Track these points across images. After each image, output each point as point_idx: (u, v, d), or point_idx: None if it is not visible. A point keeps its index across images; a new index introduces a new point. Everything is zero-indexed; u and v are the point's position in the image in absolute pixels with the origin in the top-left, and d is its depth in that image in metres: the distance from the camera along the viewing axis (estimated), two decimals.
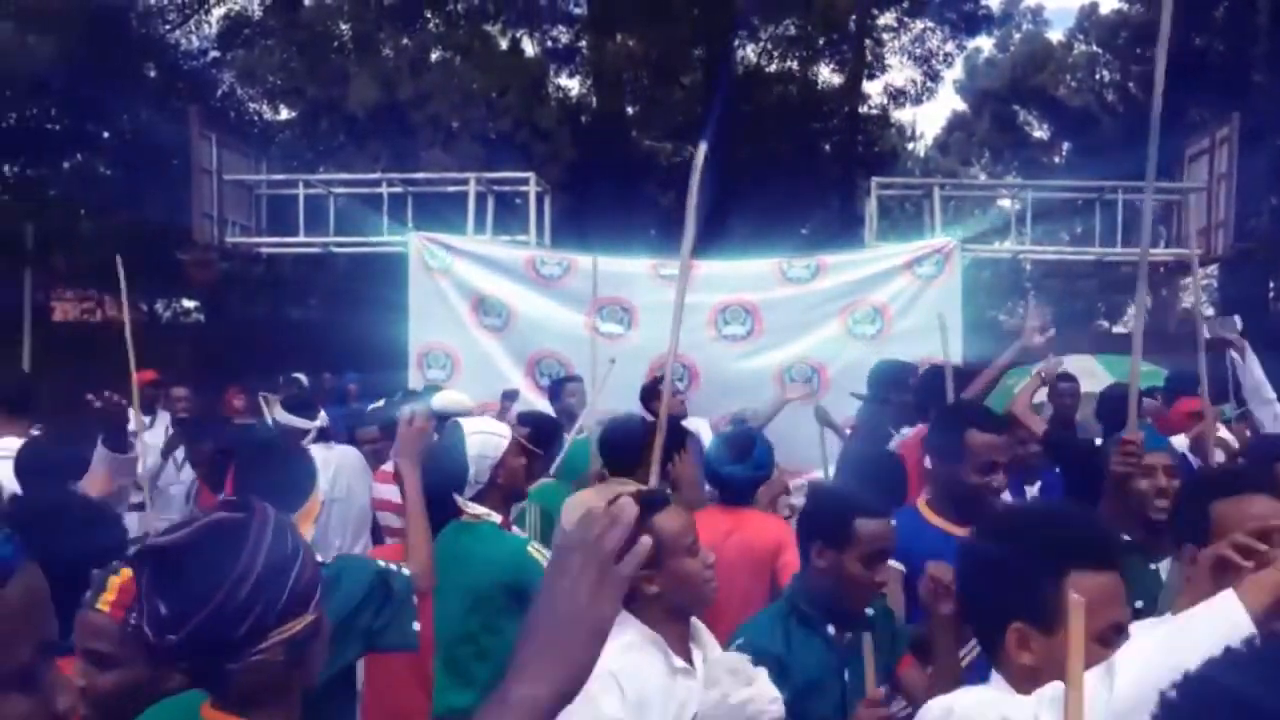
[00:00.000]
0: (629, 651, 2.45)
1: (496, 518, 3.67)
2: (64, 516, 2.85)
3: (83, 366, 15.09)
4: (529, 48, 19.97)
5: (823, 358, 8.84)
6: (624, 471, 4.75)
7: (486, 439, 3.71)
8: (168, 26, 19.08)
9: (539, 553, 3.53)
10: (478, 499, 3.65)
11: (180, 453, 7.72)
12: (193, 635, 1.68)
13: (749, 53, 22.25)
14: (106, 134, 17.65)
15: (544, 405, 8.58)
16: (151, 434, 7.99)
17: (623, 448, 4.68)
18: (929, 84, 23.26)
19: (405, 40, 16.44)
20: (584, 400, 7.09)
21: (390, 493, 5.51)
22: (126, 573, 2.27)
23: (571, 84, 21.45)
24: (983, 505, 3.52)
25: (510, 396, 9.74)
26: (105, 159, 17.90)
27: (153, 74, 17.30)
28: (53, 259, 16.98)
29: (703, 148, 3.51)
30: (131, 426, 8.05)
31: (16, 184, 15.83)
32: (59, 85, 14.25)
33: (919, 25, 22.21)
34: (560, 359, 8.83)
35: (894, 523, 3.16)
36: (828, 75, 22.53)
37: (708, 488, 4.69)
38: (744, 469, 4.35)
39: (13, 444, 5.15)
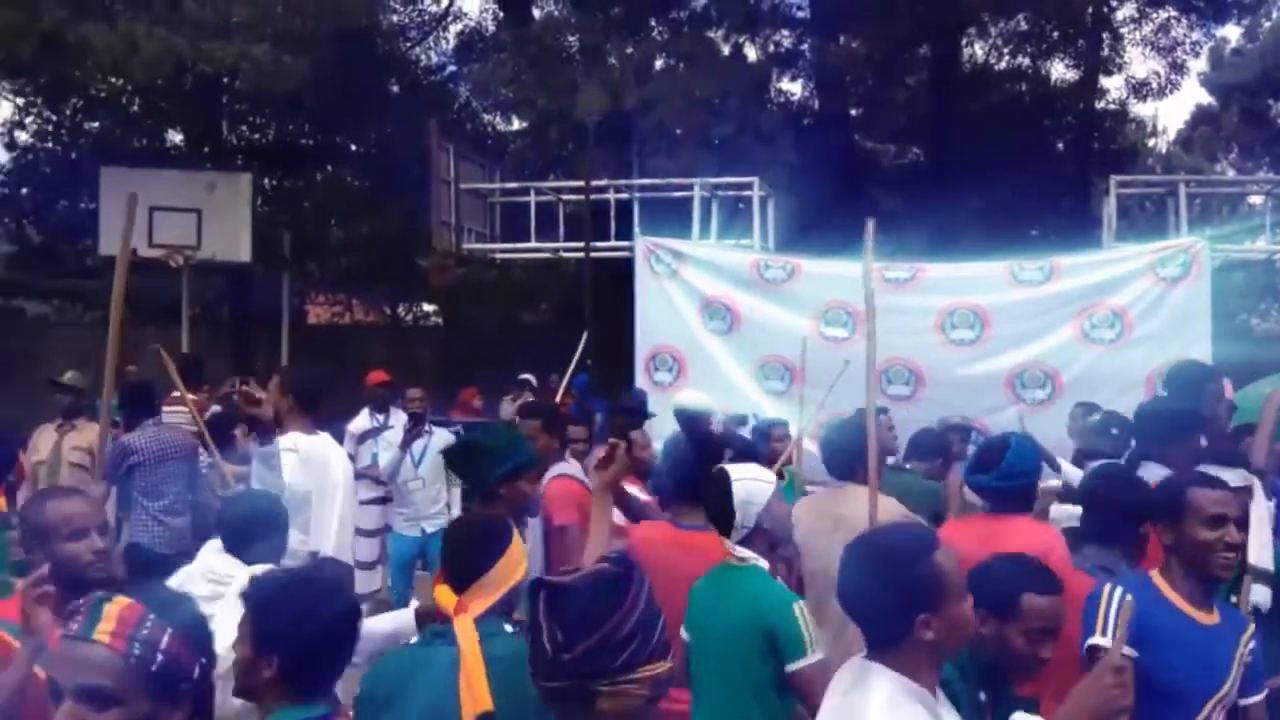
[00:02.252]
0: (895, 711, 2.29)
1: (764, 563, 3.64)
2: None
3: (333, 366, 16.07)
4: (751, 52, 20.08)
5: (1057, 363, 8.59)
6: (845, 475, 4.78)
7: (753, 485, 3.66)
8: (409, 44, 20.04)
9: (804, 613, 3.47)
10: (743, 543, 3.63)
11: (417, 449, 8.12)
12: (580, 658, 2.02)
13: (977, 50, 21.75)
14: (354, 147, 18.64)
15: (769, 405, 8.68)
16: (389, 433, 8.46)
17: (845, 450, 4.71)
18: (1173, 77, 22.12)
19: (630, 50, 16.76)
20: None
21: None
22: (122, 600, 2.13)
23: (793, 87, 21.46)
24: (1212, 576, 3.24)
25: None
26: (352, 170, 18.91)
27: (395, 89, 18.19)
28: (307, 265, 18.07)
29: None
30: (364, 426, 8.55)
31: (275, 195, 16.90)
32: (311, 102, 15.14)
33: (1162, 15, 21.15)
34: (785, 362, 8.87)
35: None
36: (1061, 70, 21.79)
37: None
38: (990, 478, 4.24)
39: (299, 439, 5.45)
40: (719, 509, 3.66)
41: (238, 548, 3.90)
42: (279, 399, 5.65)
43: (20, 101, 18.13)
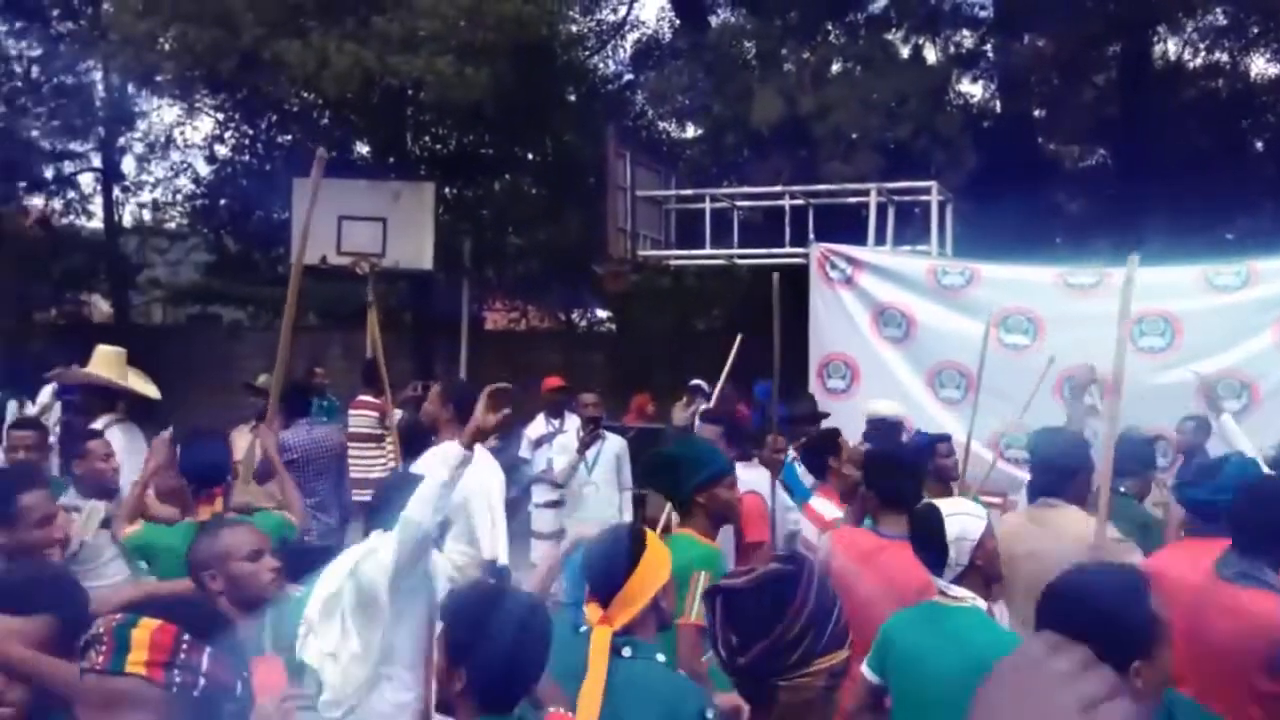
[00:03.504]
0: None
1: (982, 603, 3.48)
2: None
3: (509, 372, 16.39)
4: (930, 54, 19.69)
5: (1254, 373, 8.15)
6: (1049, 491, 4.47)
7: (965, 521, 3.48)
8: (587, 53, 20.32)
9: None
10: (957, 581, 3.46)
11: (591, 454, 8.22)
12: (755, 660, 2.07)
13: (1169, 47, 20.87)
14: (531, 155, 18.99)
15: (944, 418, 8.52)
16: (564, 437, 8.60)
17: (1054, 465, 4.50)
18: None
19: (807, 54, 16.63)
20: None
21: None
22: (150, 622, 1.91)
23: (974, 89, 20.96)
24: None
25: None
26: (530, 178, 19.27)
27: (573, 98, 18.46)
28: (485, 272, 18.48)
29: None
30: (540, 431, 8.69)
31: (455, 204, 17.34)
32: (491, 112, 15.47)
33: None
34: (961, 369, 8.69)
35: None
36: (1262, 66, 20.72)
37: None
38: (1203, 491, 3.94)
39: (453, 449, 5.63)
40: (930, 546, 3.49)
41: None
42: (438, 408, 5.81)
43: (220, 117, 19.11)
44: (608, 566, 3.06)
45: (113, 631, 1.89)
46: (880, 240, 11.75)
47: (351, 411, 9.78)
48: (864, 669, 3.52)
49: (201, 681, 1.90)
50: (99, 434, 5.79)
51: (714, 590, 2.17)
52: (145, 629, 1.89)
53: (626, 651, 2.91)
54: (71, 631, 2.37)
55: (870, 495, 4.60)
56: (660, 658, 3.02)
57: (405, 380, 11.61)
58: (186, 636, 1.91)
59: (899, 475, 4.48)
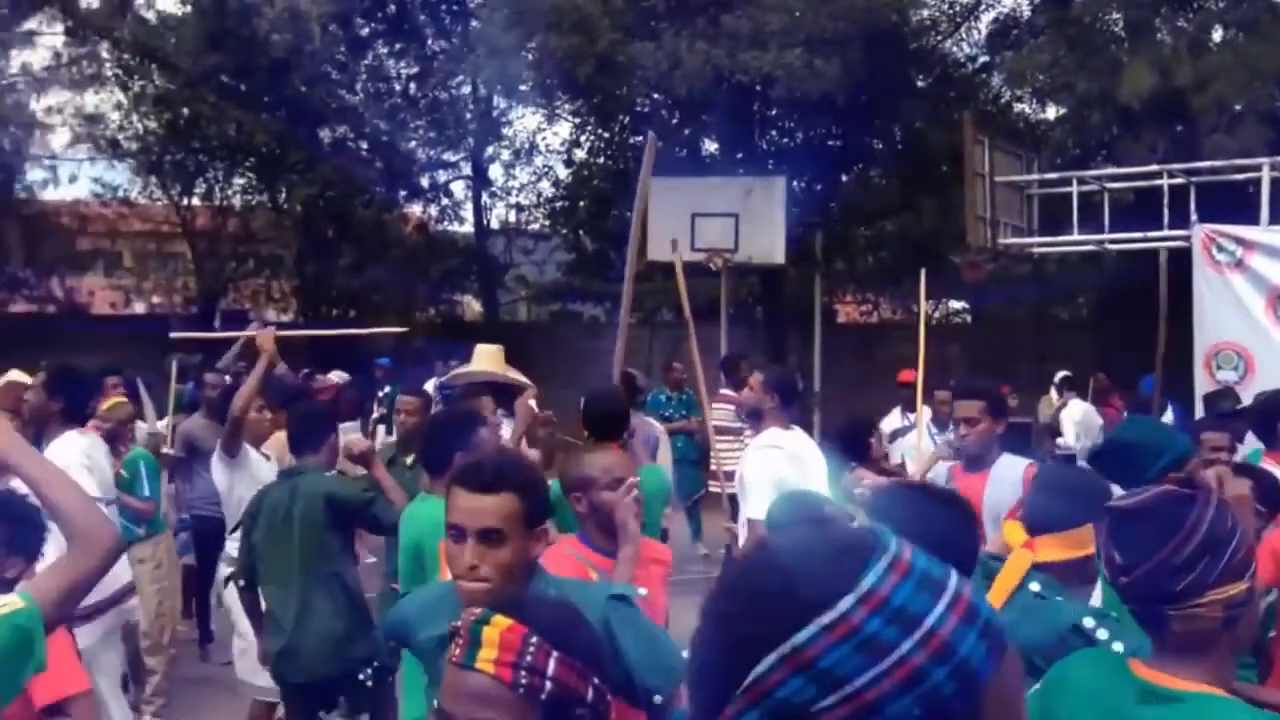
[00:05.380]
0: None
1: None
2: None
3: (862, 365, 16.16)
4: None
5: None
6: None
7: None
8: (939, 37, 19.71)
9: None
10: None
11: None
12: (1139, 580, 2.07)
13: None
14: (881, 145, 18.64)
15: None
16: (913, 434, 8.34)
17: None
18: None
19: (1182, 22, 15.44)
20: None
21: None
22: (502, 622, 1.93)
23: None
24: None
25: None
26: (881, 168, 18.92)
27: (924, 84, 17.97)
28: (835, 264, 18.32)
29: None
30: (895, 424, 8.46)
31: (804, 197, 17.24)
32: (841, 103, 15.28)
33: None
34: None
35: None
36: None
37: None
38: None
39: (779, 435, 5.58)
40: None
41: None
42: (760, 396, 5.77)
43: (576, 121, 19.90)
44: (1057, 505, 3.06)
45: (468, 627, 1.93)
46: (1275, 219, 10.69)
47: (714, 405, 9.90)
48: None
49: (548, 686, 1.89)
50: (484, 422, 6.13)
51: (1109, 509, 2.20)
52: (497, 628, 1.91)
53: (1034, 585, 2.91)
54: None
55: None
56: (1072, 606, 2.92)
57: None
58: (534, 640, 1.91)
59: None
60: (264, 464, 6.26)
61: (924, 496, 2.94)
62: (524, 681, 1.88)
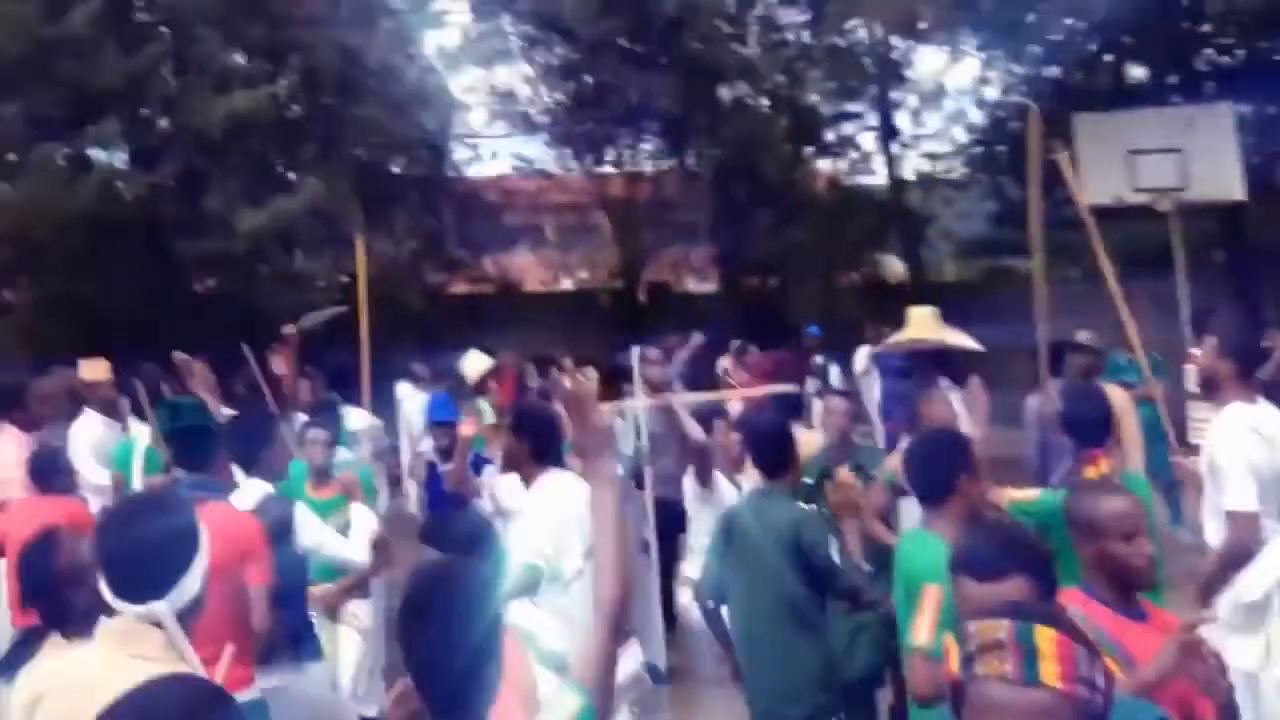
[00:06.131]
0: None
1: None
2: None
3: None
4: None
5: None
6: None
7: None
8: None
9: None
10: None
11: None
12: None
13: None
14: None
15: None
16: None
17: None
18: None
19: None
20: None
21: None
22: (1045, 630, 1.70)
23: None
24: None
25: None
26: None
27: None
28: None
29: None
30: None
31: (1257, 124, 15.47)
32: None
33: None
34: None
35: None
36: None
37: None
38: None
39: (1246, 413, 4.71)
40: None
41: None
42: (1214, 362, 4.91)
43: (984, 57, 18.71)
44: None
45: (1015, 633, 1.70)
46: None
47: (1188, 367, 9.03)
48: None
49: (1099, 700, 1.69)
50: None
51: None
52: (1045, 637, 1.69)
53: None
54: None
55: None
56: None
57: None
58: (1080, 647, 1.71)
59: None
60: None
61: None
62: (1084, 696, 1.67)
